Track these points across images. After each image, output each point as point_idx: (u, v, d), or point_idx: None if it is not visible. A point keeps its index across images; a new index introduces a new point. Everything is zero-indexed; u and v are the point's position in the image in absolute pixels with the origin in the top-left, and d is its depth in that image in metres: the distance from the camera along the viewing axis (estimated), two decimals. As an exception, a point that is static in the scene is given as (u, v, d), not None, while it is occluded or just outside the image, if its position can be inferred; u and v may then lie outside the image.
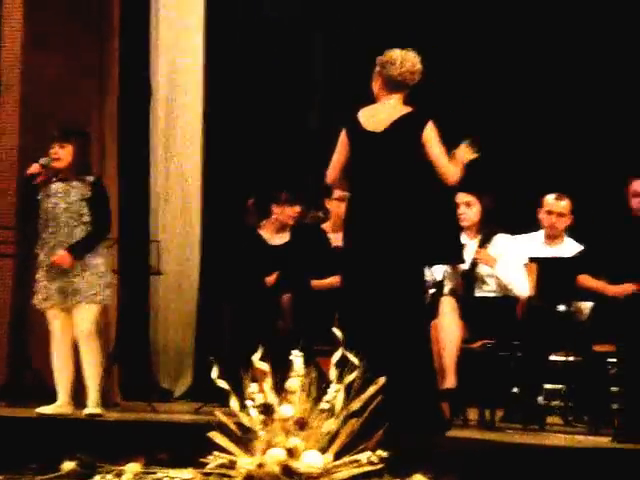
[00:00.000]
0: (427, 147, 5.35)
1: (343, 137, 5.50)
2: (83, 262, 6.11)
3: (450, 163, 5.40)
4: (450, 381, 5.96)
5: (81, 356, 6.15)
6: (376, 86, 5.50)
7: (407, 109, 5.42)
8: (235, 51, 8.27)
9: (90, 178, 6.22)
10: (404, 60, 5.41)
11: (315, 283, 6.62)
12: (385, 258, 5.30)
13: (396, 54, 5.43)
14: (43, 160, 6.19)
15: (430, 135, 5.36)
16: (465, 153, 5.47)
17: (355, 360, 4.46)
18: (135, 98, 8.02)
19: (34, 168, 6.19)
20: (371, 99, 5.54)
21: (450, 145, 5.51)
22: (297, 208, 6.86)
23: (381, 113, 5.43)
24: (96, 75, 7.32)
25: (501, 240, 6.38)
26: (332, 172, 5.53)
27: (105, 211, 6.21)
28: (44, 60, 7.15)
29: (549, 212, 6.69)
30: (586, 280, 6.21)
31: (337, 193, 6.68)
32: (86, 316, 6.11)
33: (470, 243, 6.31)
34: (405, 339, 5.26)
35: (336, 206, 6.71)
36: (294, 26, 8.34)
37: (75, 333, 6.14)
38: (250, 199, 7.14)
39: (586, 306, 6.42)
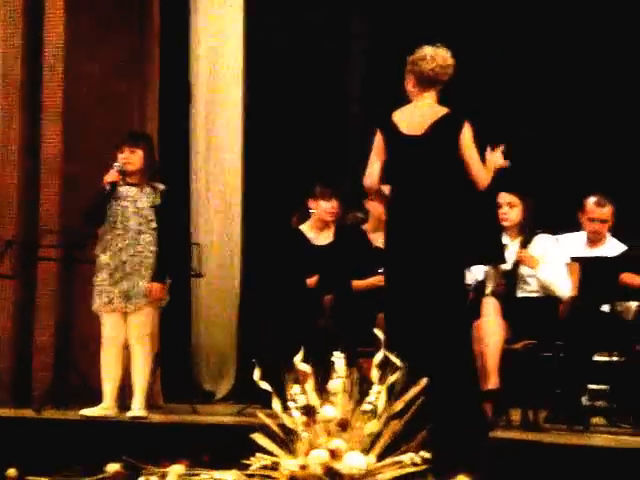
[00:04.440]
0: (463, 149, 5.33)
1: (379, 140, 5.47)
2: (147, 266, 6.13)
3: (483, 167, 5.39)
4: (493, 382, 5.92)
5: (133, 359, 6.17)
6: (409, 85, 5.48)
7: (443, 110, 5.40)
8: (274, 43, 8.26)
9: (161, 186, 6.23)
10: (435, 55, 5.41)
11: (356, 284, 6.60)
12: (427, 261, 5.28)
13: (427, 50, 5.43)
14: (117, 166, 6.19)
15: (467, 137, 5.34)
16: (497, 159, 5.46)
17: (397, 361, 4.46)
18: (175, 98, 8.05)
19: (113, 176, 6.18)
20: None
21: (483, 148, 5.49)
22: (333, 203, 6.77)
23: (417, 114, 5.41)
24: (137, 74, 7.37)
25: (542, 241, 6.33)
26: (371, 179, 5.47)
27: (174, 224, 6.22)
28: (85, 60, 7.20)
29: (591, 219, 6.62)
30: (630, 277, 6.17)
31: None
32: (145, 319, 6.14)
33: (511, 243, 6.27)
34: (448, 340, 5.23)
35: (375, 207, 6.65)
36: (334, 15, 8.32)
37: (130, 336, 6.15)
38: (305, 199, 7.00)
39: (632, 306, 6.38)
